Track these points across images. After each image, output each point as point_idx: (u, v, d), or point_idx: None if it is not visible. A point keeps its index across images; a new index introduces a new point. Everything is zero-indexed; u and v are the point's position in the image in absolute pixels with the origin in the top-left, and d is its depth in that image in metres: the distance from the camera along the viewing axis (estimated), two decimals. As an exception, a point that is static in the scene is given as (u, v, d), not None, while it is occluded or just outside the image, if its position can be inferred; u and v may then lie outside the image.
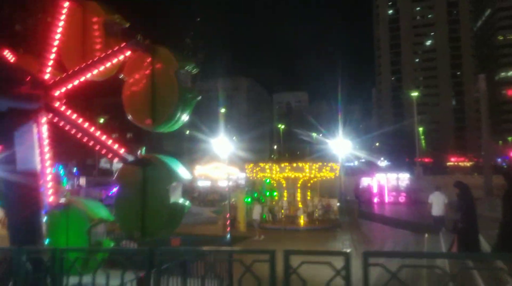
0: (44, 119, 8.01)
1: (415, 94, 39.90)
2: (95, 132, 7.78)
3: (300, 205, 21.30)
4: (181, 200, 8.11)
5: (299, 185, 21.32)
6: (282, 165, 19.69)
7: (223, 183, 31.96)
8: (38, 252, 6.21)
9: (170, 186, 7.86)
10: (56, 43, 8.13)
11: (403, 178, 27.29)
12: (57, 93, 7.91)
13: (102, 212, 8.99)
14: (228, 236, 10.27)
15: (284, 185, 21.33)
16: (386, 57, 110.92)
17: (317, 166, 20.55)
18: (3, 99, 7.01)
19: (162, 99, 7.88)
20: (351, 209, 20.74)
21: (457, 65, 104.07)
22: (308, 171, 19.72)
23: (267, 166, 20.15)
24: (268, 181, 21.00)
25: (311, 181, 20.61)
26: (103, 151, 7.75)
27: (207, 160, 33.60)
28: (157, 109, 7.86)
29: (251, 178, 21.52)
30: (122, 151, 7.76)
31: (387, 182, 26.87)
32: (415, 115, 36.29)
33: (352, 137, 27.86)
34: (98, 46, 8.69)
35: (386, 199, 26.82)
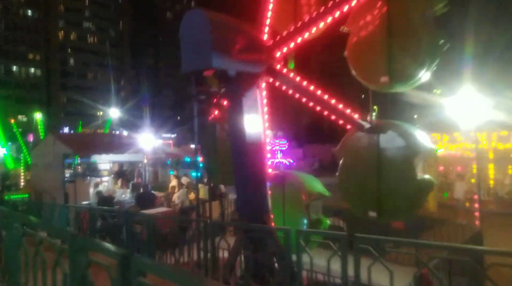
0: (263, 84, 7.36)
1: None
2: (322, 95, 6.74)
3: (491, 183, 17.73)
4: (426, 176, 6.57)
5: (491, 156, 17.66)
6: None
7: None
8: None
9: (415, 159, 6.38)
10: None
11: None
12: (278, 55, 7.08)
13: (318, 186, 8.16)
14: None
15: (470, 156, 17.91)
16: None
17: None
18: (234, 63, 6.43)
19: (403, 50, 6.30)
20: None
21: None
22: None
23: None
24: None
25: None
26: (333, 117, 6.67)
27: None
28: (396, 63, 6.34)
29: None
30: (356, 116, 6.56)
31: None
32: None
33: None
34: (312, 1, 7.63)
35: None
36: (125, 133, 34.68)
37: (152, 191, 12.70)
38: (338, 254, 4.21)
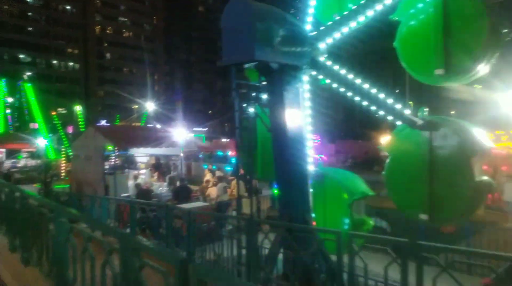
0: (307, 78, 7.07)
1: None
2: (370, 89, 6.36)
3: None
4: (484, 177, 6.07)
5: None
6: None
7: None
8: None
9: (472, 159, 5.89)
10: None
11: None
12: (322, 46, 6.77)
13: (362, 185, 7.79)
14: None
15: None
16: None
17: None
18: (277, 55, 6.19)
19: (461, 41, 5.80)
20: None
21: None
22: None
23: None
24: None
25: None
26: (382, 112, 6.27)
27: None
28: (452, 55, 5.85)
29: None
30: (407, 112, 6.14)
31: None
32: None
33: None
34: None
35: None
36: (158, 126, 35.25)
37: (188, 185, 12.69)
38: (397, 262, 3.87)
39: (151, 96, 46.89)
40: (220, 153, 33.28)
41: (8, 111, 30.98)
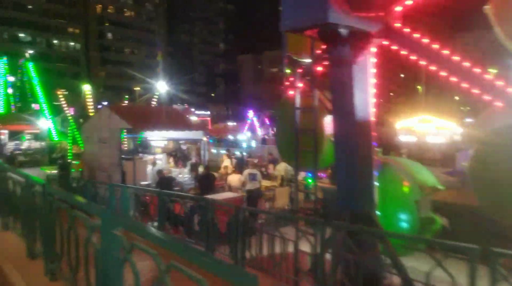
0: (374, 48, 5.89)
1: None
2: (462, 62, 5.21)
3: None
4: None
5: None
6: None
7: (432, 139, 27.57)
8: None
9: None
10: None
11: None
12: (398, 10, 5.58)
13: (430, 177, 6.74)
14: None
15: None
16: None
17: None
18: (349, 19, 5.03)
19: None
20: None
21: None
22: None
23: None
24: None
25: None
26: (476, 90, 5.14)
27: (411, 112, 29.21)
28: None
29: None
30: (511, 90, 5.01)
31: None
32: None
33: None
34: None
35: None
36: (175, 107, 33.81)
37: (212, 173, 11.56)
38: None
39: (156, 78, 45.35)
40: (230, 137, 32.24)
41: (10, 91, 29.66)
